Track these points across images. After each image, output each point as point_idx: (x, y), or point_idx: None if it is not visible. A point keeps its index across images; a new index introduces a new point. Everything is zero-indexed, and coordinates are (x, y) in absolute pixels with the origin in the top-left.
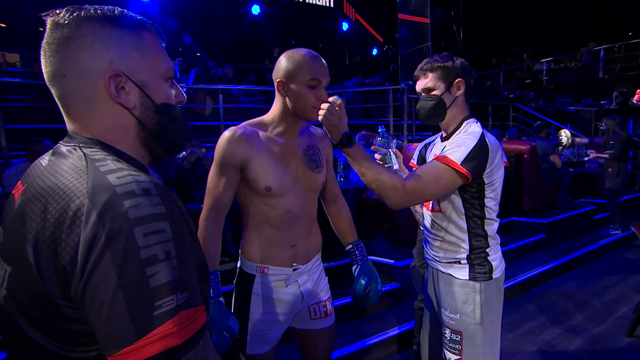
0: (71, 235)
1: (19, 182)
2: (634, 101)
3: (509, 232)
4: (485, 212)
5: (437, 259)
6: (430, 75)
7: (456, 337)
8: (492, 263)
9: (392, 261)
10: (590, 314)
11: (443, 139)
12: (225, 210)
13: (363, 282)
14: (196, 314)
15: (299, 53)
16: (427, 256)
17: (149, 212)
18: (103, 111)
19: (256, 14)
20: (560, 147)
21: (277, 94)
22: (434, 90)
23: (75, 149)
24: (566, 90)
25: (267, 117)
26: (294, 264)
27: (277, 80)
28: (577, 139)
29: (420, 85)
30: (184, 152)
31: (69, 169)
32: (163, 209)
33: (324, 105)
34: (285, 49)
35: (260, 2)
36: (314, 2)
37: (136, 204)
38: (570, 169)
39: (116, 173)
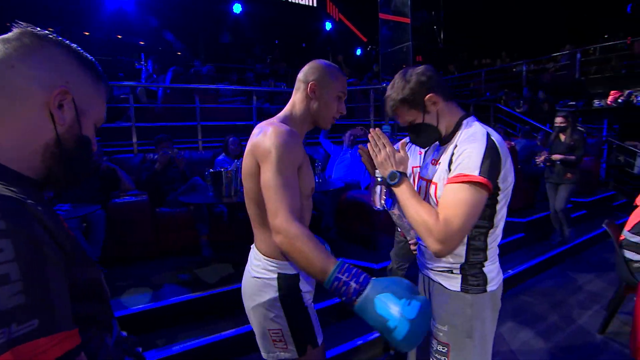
0: None
1: None
2: (608, 102)
3: None
4: (495, 221)
5: (428, 266)
6: (400, 110)
7: (443, 349)
8: (488, 275)
9: (371, 264)
10: (566, 312)
11: (442, 142)
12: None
13: None
14: (52, 342)
15: (333, 65)
16: (419, 262)
17: None
18: (25, 115)
19: (237, 12)
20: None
21: (302, 95)
22: (414, 121)
23: None
24: (545, 92)
25: (295, 116)
26: None
27: (311, 82)
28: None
29: (400, 121)
30: (156, 155)
31: None
32: (3, 225)
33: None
34: (268, 49)
35: (241, 0)
36: (297, 2)
37: None
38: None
39: None
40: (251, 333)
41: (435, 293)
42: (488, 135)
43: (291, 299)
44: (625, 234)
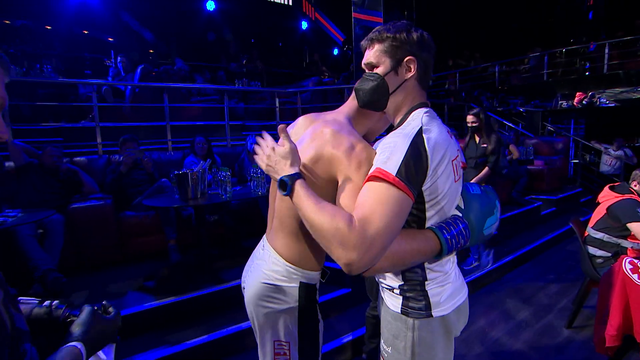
0: None
1: None
2: (574, 103)
3: None
4: None
5: (377, 278)
6: (376, 46)
7: None
8: (432, 299)
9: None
10: (536, 308)
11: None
12: None
13: None
14: None
15: None
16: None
17: None
18: None
19: (211, 10)
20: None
21: (375, 114)
22: (377, 66)
23: None
24: (516, 92)
25: (353, 123)
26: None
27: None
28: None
29: (364, 59)
30: (121, 155)
31: None
32: None
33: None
34: (243, 47)
35: None
36: (272, 0)
37: None
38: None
39: None
40: (220, 341)
41: (381, 308)
42: (419, 131)
43: (308, 311)
44: (589, 231)
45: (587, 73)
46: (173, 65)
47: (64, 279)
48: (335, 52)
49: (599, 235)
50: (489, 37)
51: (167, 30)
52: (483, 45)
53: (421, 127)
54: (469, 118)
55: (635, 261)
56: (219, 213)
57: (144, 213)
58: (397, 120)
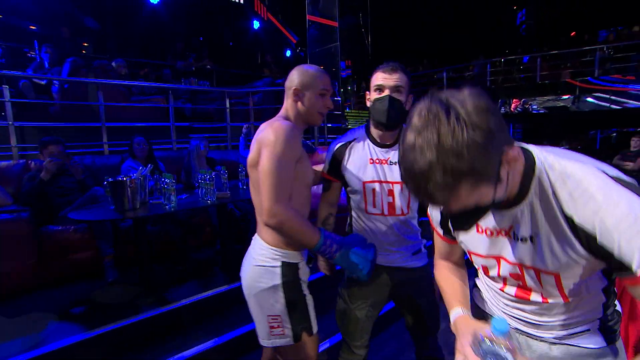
0: None
1: None
2: (512, 109)
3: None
4: None
5: (548, 333)
6: (460, 191)
7: None
8: (620, 310)
9: None
10: None
11: (504, 206)
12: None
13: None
14: None
15: (313, 67)
16: (517, 327)
17: None
18: None
19: (155, 3)
20: None
21: (290, 100)
22: (478, 203)
23: None
24: None
25: (290, 118)
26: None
27: (294, 87)
28: None
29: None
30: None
31: None
32: None
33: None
34: (191, 45)
35: None
36: None
37: None
38: None
39: None
40: None
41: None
42: (604, 172)
43: (292, 286)
44: None
45: (522, 82)
46: (110, 60)
47: None
48: (288, 53)
49: None
50: (437, 43)
51: (104, 23)
52: (431, 52)
53: (598, 168)
54: None
55: None
56: (162, 223)
57: (73, 226)
58: (511, 194)
